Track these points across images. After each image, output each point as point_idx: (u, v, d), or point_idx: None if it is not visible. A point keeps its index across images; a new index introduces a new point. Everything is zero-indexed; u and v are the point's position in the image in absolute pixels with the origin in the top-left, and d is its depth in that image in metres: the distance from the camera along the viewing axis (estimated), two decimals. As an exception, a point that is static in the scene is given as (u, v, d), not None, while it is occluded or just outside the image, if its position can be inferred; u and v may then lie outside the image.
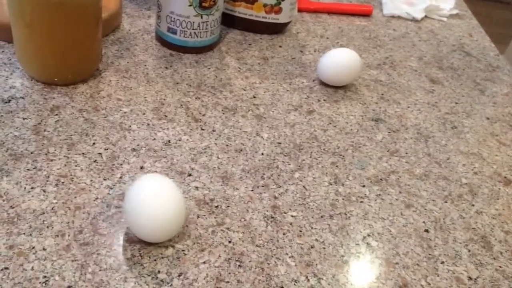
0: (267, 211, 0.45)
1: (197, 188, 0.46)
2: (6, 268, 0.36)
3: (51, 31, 0.51)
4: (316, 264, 0.41)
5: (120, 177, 0.45)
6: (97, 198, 0.43)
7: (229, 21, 0.70)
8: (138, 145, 0.49)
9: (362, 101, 0.62)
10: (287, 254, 0.41)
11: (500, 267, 0.44)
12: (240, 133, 0.53)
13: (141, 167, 0.47)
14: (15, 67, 0.56)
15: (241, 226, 0.43)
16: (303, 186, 0.48)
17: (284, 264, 0.41)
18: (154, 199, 0.38)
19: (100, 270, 0.38)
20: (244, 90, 0.60)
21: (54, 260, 0.38)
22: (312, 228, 0.44)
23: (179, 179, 0.46)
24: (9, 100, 0.51)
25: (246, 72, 0.63)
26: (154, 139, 0.50)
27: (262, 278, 0.39)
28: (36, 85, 0.54)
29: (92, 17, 0.53)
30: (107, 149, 0.48)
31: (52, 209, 0.41)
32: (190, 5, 0.60)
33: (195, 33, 0.62)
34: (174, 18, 0.61)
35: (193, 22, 0.61)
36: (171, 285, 0.38)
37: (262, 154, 0.51)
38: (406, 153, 0.55)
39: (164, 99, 0.56)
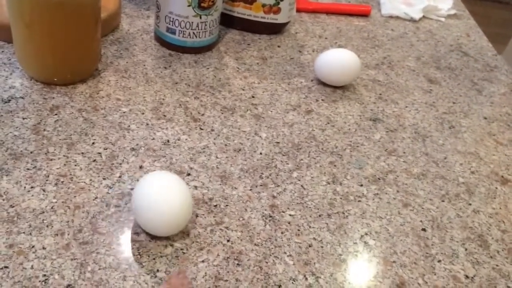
0: (266, 210, 0.45)
1: (196, 187, 0.46)
2: (6, 267, 0.37)
3: (50, 31, 0.51)
4: (314, 263, 0.41)
5: (120, 177, 0.46)
6: (96, 198, 0.43)
7: (228, 21, 0.71)
8: (137, 144, 0.49)
9: (360, 101, 0.62)
10: (285, 253, 0.42)
11: (496, 265, 0.44)
12: (238, 132, 0.53)
13: (140, 167, 0.47)
14: (15, 67, 0.56)
15: (240, 225, 0.43)
16: (301, 186, 0.48)
17: (282, 263, 0.41)
18: (164, 193, 0.39)
19: (99, 269, 0.38)
20: (243, 90, 0.60)
21: (53, 259, 0.38)
22: (310, 227, 0.44)
23: (178, 179, 0.47)
24: (9, 100, 0.51)
25: (245, 72, 0.63)
26: (153, 138, 0.50)
27: (260, 276, 0.40)
28: (36, 85, 0.54)
29: (91, 17, 0.53)
30: (107, 149, 0.48)
31: (52, 208, 0.42)
32: (189, 5, 0.60)
33: (194, 33, 0.62)
34: (173, 18, 0.61)
35: (192, 22, 0.61)
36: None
37: (261, 153, 0.51)
38: (404, 153, 0.55)
39: (163, 99, 0.56)
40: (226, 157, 0.50)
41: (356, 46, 0.74)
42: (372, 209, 0.47)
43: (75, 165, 0.46)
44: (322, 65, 0.62)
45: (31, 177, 0.44)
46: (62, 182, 0.44)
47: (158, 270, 0.38)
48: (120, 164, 0.47)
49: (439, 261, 0.44)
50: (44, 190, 0.43)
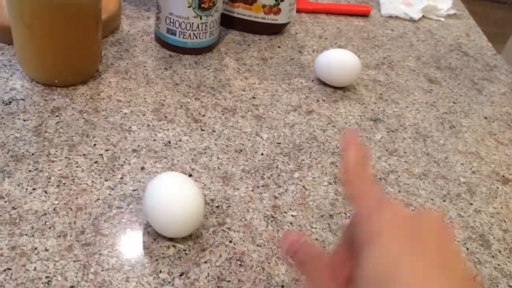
0: (268, 211, 0.45)
1: (197, 188, 0.46)
2: (9, 269, 0.37)
3: (51, 33, 0.51)
4: (317, 263, 0.41)
5: (121, 178, 0.46)
6: (98, 199, 0.43)
7: (228, 22, 0.71)
8: (138, 146, 0.49)
9: (360, 101, 0.62)
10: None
11: (498, 265, 0.44)
12: (239, 133, 0.53)
13: (142, 168, 0.47)
14: (15, 69, 0.56)
15: (242, 226, 0.43)
16: (303, 186, 0.48)
17: (285, 263, 0.41)
18: (180, 193, 0.39)
19: (102, 270, 0.38)
20: (244, 90, 0.60)
21: (56, 260, 0.38)
22: (312, 227, 0.45)
23: (179, 180, 0.47)
24: (10, 102, 0.51)
25: (245, 72, 0.63)
26: (155, 140, 0.50)
27: (263, 277, 0.40)
28: (36, 87, 0.54)
29: (91, 18, 0.53)
30: (108, 150, 0.48)
31: (54, 210, 0.42)
32: (189, 6, 0.60)
33: (194, 34, 0.62)
34: (173, 19, 0.61)
35: (192, 23, 0.61)
36: (173, 284, 0.38)
37: (262, 154, 0.51)
38: (405, 153, 0.55)
39: (164, 100, 0.56)
40: (228, 158, 0.50)
41: (356, 46, 0.74)
42: (374, 209, 0.47)
43: (77, 167, 0.46)
44: (323, 65, 0.62)
45: (33, 179, 0.44)
46: (64, 183, 0.44)
47: (161, 271, 0.39)
48: (122, 165, 0.47)
49: (441, 261, 0.44)
50: (46, 192, 0.43)
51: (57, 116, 0.51)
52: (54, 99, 0.53)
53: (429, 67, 0.72)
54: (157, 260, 0.39)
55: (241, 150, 0.51)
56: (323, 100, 0.61)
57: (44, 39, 0.51)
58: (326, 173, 0.51)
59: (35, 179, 0.44)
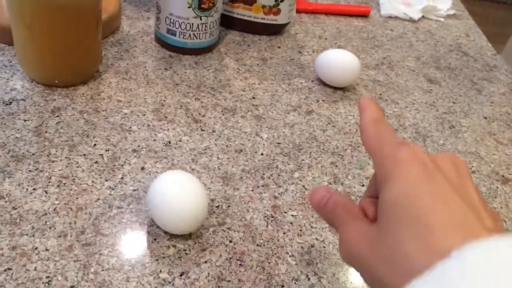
0: (268, 210, 0.45)
1: (197, 188, 0.46)
2: (9, 269, 0.37)
3: (51, 33, 0.51)
4: (317, 263, 0.42)
5: (121, 178, 0.46)
6: (98, 199, 0.43)
7: (228, 22, 0.71)
8: (138, 146, 0.49)
9: (360, 101, 0.62)
10: (287, 253, 0.42)
11: (498, 264, 0.44)
12: (239, 133, 0.54)
13: (142, 168, 0.47)
14: (16, 69, 0.56)
15: (242, 226, 0.43)
16: (303, 186, 0.49)
17: (285, 263, 0.41)
18: (185, 190, 0.40)
19: (102, 270, 0.38)
20: (243, 91, 0.60)
21: (56, 260, 0.38)
22: (312, 227, 0.45)
23: (179, 180, 0.47)
24: (10, 102, 0.52)
25: (245, 73, 0.63)
26: (155, 140, 0.51)
27: (263, 277, 0.40)
28: (37, 87, 0.54)
29: (92, 18, 0.53)
30: (108, 150, 0.48)
31: (54, 210, 0.42)
32: (189, 7, 0.60)
33: (194, 34, 0.62)
34: (173, 20, 0.61)
35: (192, 24, 0.62)
36: (173, 284, 0.38)
37: (262, 154, 0.51)
38: (405, 153, 0.55)
39: (164, 100, 0.56)
40: (228, 158, 0.50)
41: (356, 46, 0.74)
42: (374, 209, 0.47)
43: (77, 167, 0.46)
44: (322, 65, 0.62)
45: (33, 179, 0.44)
46: (64, 183, 0.44)
47: (161, 271, 0.39)
48: (122, 165, 0.47)
49: (441, 260, 0.44)
50: (46, 192, 0.43)
51: (57, 116, 0.51)
52: (55, 99, 0.53)
53: (428, 67, 0.72)
54: (157, 260, 0.39)
55: (241, 150, 0.51)
56: (323, 100, 0.61)
57: (44, 39, 0.51)
58: (326, 173, 0.51)
59: (36, 179, 0.44)
